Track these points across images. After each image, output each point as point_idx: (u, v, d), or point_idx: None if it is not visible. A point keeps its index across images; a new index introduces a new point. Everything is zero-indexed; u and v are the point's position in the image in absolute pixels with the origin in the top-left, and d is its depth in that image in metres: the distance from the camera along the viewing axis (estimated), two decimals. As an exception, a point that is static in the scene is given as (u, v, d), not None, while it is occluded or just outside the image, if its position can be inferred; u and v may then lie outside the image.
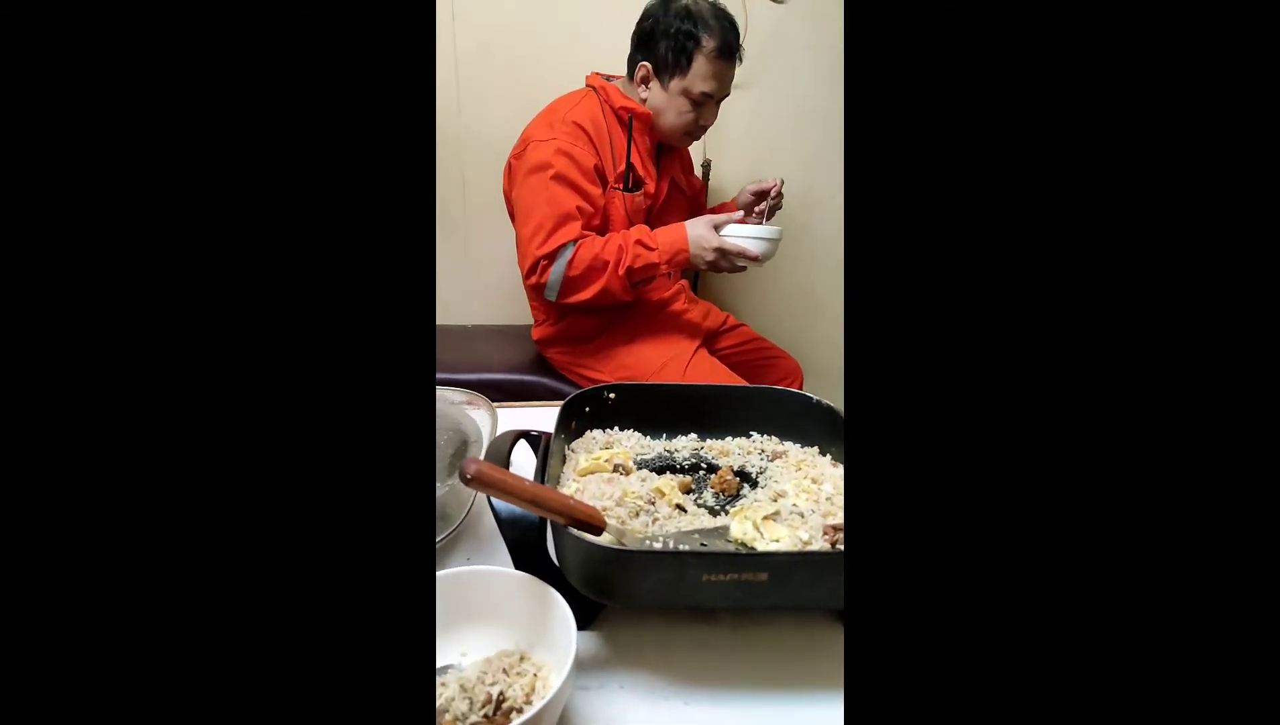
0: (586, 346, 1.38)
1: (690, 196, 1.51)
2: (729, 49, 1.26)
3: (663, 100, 1.29)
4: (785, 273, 1.77)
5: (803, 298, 1.86)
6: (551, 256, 1.23)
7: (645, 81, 1.30)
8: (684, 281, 1.51)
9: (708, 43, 1.24)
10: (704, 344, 1.43)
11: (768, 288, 1.83)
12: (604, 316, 1.35)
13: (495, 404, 0.82)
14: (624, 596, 0.52)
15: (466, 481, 0.46)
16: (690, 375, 1.32)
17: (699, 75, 1.26)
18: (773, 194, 1.36)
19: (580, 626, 0.57)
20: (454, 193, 1.70)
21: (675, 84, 1.27)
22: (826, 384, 1.66)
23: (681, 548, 0.55)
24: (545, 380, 1.42)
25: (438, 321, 1.73)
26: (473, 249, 1.74)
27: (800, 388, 1.49)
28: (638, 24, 1.30)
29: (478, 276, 1.76)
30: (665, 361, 1.33)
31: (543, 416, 0.71)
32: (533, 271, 1.24)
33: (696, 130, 1.33)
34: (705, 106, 1.30)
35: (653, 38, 1.27)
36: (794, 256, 1.69)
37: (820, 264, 1.82)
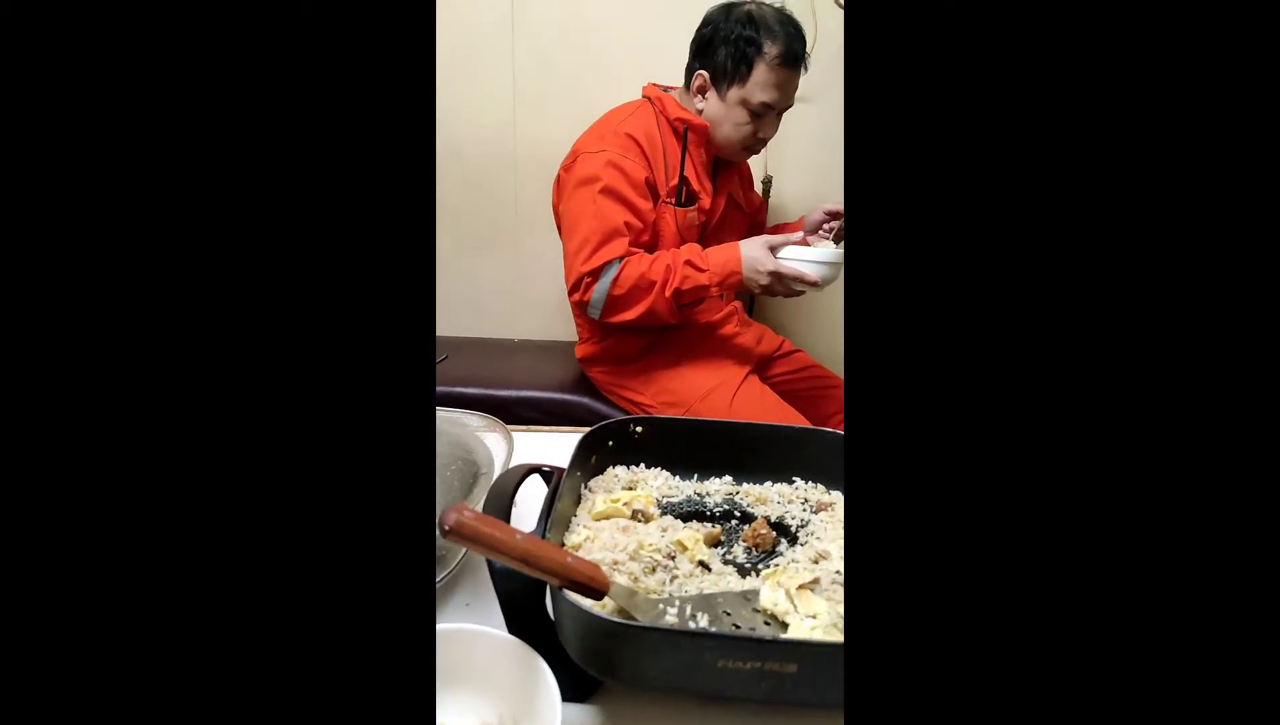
0: (630, 367, 1.31)
1: (749, 213, 1.43)
2: (793, 56, 1.17)
3: (720, 111, 1.22)
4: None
5: (866, 324, 1.74)
6: (596, 273, 1.17)
7: (702, 91, 1.23)
8: (737, 303, 1.43)
9: (770, 49, 1.16)
10: (755, 370, 1.34)
11: (828, 312, 1.72)
12: (650, 337, 1.28)
13: (518, 428, 0.76)
14: (628, 677, 0.44)
15: (444, 533, 0.40)
16: (738, 403, 1.24)
17: (759, 84, 1.18)
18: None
19: (576, 698, 0.49)
20: (506, 204, 1.67)
21: (733, 93, 1.20)
22: (888, 418, 1.54)
23: (700, 620, 0.47)
24: (586, 400, 1.36)
25: (483, 335, 1.72)
26: (523, 261, 1.70)
27: (858, 422, 1.38)
28: (697, 31, 1.24)
29: (527, 290, 1.72)
30: (712, 387, 1.25)
31: (566, 444, 0.65)
32: (576, 288, 1.19)
33: (755, 143, 1.25)
34: (765, 118, 1.22)
35: (712, 44, 1.20)
36: (857, 280, 1.58)
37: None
